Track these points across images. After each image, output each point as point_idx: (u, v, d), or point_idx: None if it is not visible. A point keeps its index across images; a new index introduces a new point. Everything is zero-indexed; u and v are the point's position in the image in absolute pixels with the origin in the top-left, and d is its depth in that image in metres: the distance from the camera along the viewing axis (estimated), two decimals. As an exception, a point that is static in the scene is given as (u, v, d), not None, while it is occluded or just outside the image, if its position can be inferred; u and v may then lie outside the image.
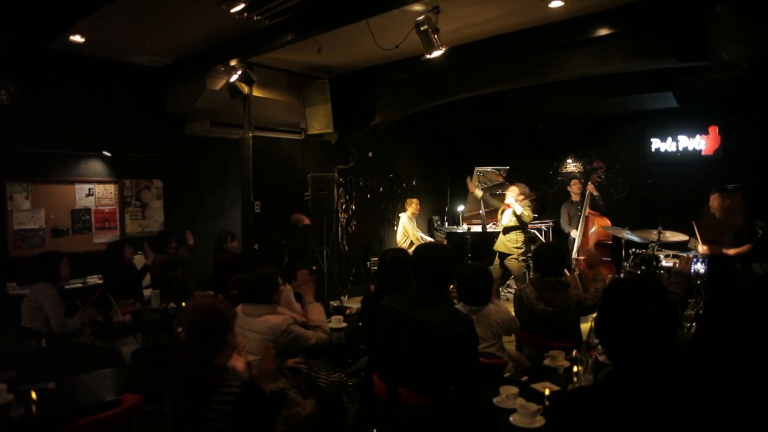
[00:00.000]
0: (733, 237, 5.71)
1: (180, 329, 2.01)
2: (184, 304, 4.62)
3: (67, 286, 5.56)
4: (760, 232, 5.48)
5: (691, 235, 5.98)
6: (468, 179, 7.85)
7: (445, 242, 8.43)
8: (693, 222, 5.77)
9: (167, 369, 2.08)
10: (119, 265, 5.34)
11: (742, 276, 2.13)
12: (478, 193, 7.63)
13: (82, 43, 5.66)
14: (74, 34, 5.44)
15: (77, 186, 6.61)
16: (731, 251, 5.64)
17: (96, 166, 6.76)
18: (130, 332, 4.81)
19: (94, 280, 6.13)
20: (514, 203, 6.90)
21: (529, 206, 7.06)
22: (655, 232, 5.93)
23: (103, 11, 4.71)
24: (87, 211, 6.68)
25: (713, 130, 7.48)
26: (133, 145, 7.00)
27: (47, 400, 2.75)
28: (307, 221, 5.94)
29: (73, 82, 6.41)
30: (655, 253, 5.98)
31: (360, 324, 3.99)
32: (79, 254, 6.17)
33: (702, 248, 5.73)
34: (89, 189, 6.70)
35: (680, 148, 7.80)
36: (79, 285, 5.97)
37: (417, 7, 4.80)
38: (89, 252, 6.50)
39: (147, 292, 5.35)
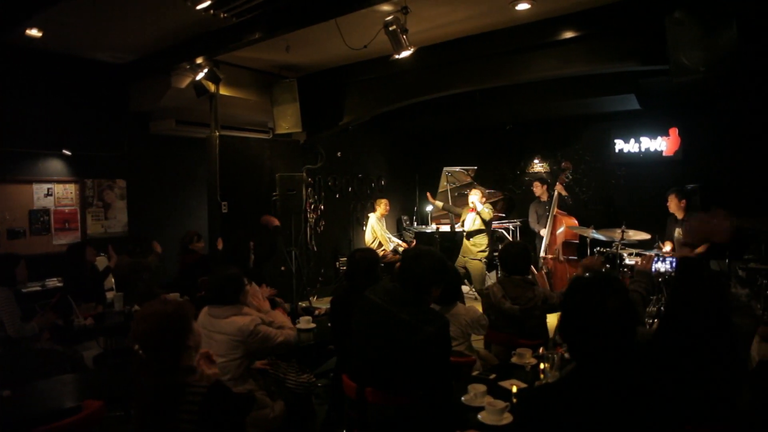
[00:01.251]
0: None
1: (136, 346, 1.96)
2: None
3: (24, 290, 5.37)
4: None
5: (656, 233, 6.16)
6: (428, 194, 8.02)
7: (414, 243, 8.46)
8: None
9: (131, 373, 2.03)
10: (80, 267, 5.18)
11: (706, 277, 2.20)
12: (439, 204, 7.83)
13: (39, 38, 5.46)
14: (31, 27, 5.24)
15: (35, 186, 6.38)
16: (694, 251, 5.81)
17: (55, 166, 6.54)
18: (92, 336, 4.67)
19: (53, 282, 5.93)
20: (478, 202, 6.91)
21: (489, 206, 7.11)
22: (618, 231, 6.08)
23: (62, 4, 4.57)
24: (46, 211, 6.46)
25: (674, 131, 7.71)
26: (95, 144, 6.80)
27: (3, 408, 2.65)
28: (276, 222, 5.88)
29: (31, 78, 6.18)
30: (619, 251, 6.13)
31: (329, 324, 3.96)
32: (37, 256, 5.97)
33: (667, 248, 5.88)
34: (48, 189, 6.48)
35: (643, 149, 8.01)
36: (38, 288, 5.77)
37: (385, 8, 4.81)
38: (48, 254, 6.29)
39: (110, 295, 5.21)
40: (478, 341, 3.75)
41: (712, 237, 2.99)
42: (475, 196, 6.94)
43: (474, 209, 6.91)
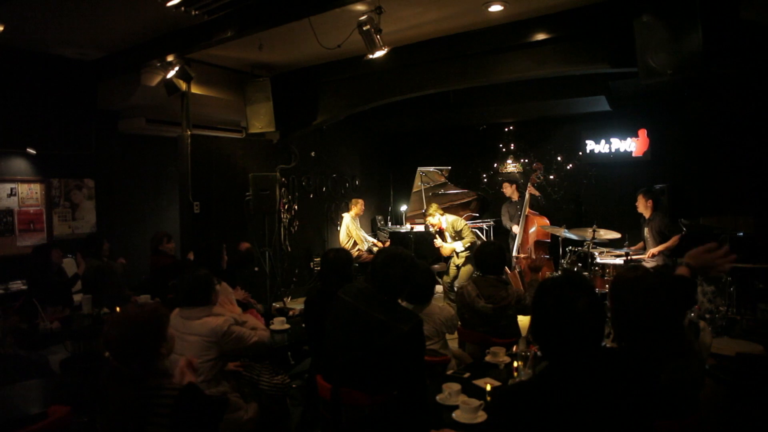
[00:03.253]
0: (657, 234, 6.05)
1: (107, 353, 1.91)
2: (118, 309, 4.44)
3: (-13, 293, 5.22)
4: (684, 229, 5.83)
5: (625, 232, 6.29)
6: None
7: (388, 242, 8.46)
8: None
9: (100, 381, 1.98)
10: (46, 269, 5.04)
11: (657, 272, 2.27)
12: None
13: (1, 32, 5.28)
14: (-7, 22, 5.08)
15: (-2, 185, 6.19)
16: (656, 249, 5.96)
17: (19, 165, 6.35)
18: (59, 340, 4.54)
19: (17, 285, 5.76)
20: (441, 219, 6.70)
21: (467, 226, 6.84)
22: (590, 230, 6.18)
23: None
24: (9, 212, 6.26)
25: (642, 133, 7.89)
26: (62, 143, 6.61)
27: (-37, 415, 2.55)
28: (246, 245, 5.66)
29: (-7, 75, 6.00)
30: (590, 250, 6.24)
31: (303, 325, 3.94)
32: (0, 258, 5.79)
33: (651, 252, 5.98)
34: (11, 189, 6.28)
35: (613, 150, 8.18)
36: (1, 291, 5.61)
37: (359, 7, 4.80)
38: (12, 256, 6.10)
39: (78, 297, 5.08)
40: (452, 340, 3.77)
41: None
42: (435, 218, 6.74)
43: (440, 227, 6.75)
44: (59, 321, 4.37)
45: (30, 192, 6.44)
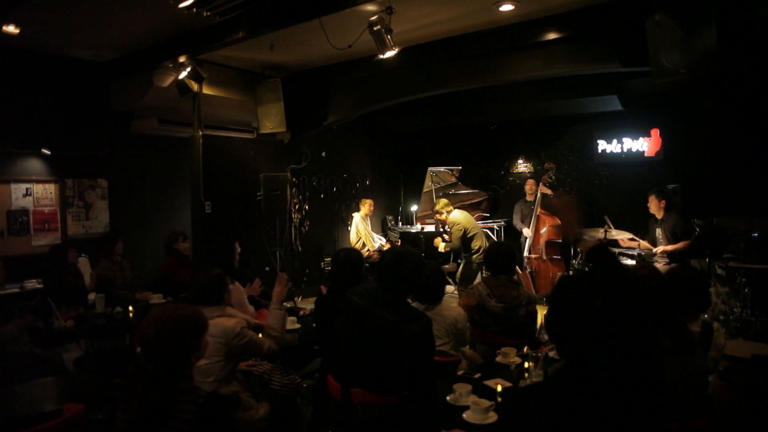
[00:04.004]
0: (670, 234, 5.99)
1: (138, 348, 1.91)
2: (131, 308, 4.48)
3: (2, 292, 5.28)
4: (697, 230, 5.77)
5: (637, 232, 6.24)
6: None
7: (399, 242, 8.46)
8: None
9: (112, 375, 2.00)
10: (62, 269, 5.08)
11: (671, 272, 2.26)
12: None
13: (16, 35, 5.35)
14: (8, 24, 5.13)
15: (13, 185, 6.25)
16: (669, 248, 5.91)
17: (34, 165, 6.42)
18: (73, 338, 4.59)
19: (33, 284, 5.82)
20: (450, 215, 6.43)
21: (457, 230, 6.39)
22: (601, 230, 6.14)
23: (39, 0, 4.49)
24: (24, 212, 6.34)
25: (655, 132, 7.82)
26: (75, 143, 6.68)
27: (-20, 413, 2.59)
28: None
29: (8, 76, 6.05)
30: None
31: (314, 325, 3.95)
32: (16, 257, 5.87)
33: (662, 249, 5.93)
34: (27, 189, 6.36)
35: (625, 150, 8.11)
36: (17, 290, 5.67)
37: (370, 7, 4.81)
38: (27, 255, 6.18)
39: (91, 296, 5.13)
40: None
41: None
42: (443, 214, 6.44)
43: (447, 223, 6.51)
44: (73, 319, 4.42)
45: (45, 192, 6.52)
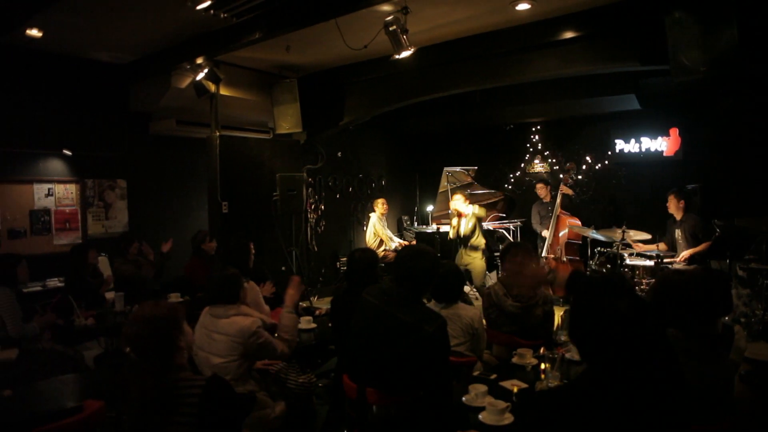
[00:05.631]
0: (690, 236, 5.90)
1: (127, 349, 1.98)
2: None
3: (25, 290, 5.37)
4: (718, 231, 5.68)
5: (655, 233, 6.16)
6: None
7: (414, 242, 8.46)
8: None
9: (123, 374, 2.05)
10: (82, 270, 5.16)
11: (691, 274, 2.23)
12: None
13: (39, 38, 5.46)
14: (31, 28, 5.24)
15: (36, 186, 6.38)
16: (687, 252, 5.81)
17: (56, 166, 6.54)
18: (93, 336, 4.67)
19: (54, 283, 5.93)
20: (464, 206, 6.71)
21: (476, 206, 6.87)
22: (619, 231, 6.07)
23: (61, 4, 4.57)
24: (46, 211, 6.46)
25: (674, 132, 7.71)
26: (95, 144, 6.79)
27: (3, 408, 2.65)
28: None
29: (31, 79, 6.18)
30: (620, 251, 6.13)
31: (329, 324, 3.97)
32: (38, 256, 5.97)
33: (683, 255, 5.84)
34: (49, 189, 6.48)
35: (643, 149, 8.01)
36: (39, 288, 5.77)
37: (386, 8, 4.81)
38: (49, 254, 6.30)
39: (110, 295, 5.21)
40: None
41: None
42: (457, 202, 6.73)
43: (461, 214, 6.75)
44: (93, 317, 4.49)
45: (66, 192, 6.63)
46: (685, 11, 4.24)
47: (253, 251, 5.08)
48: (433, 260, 2.64)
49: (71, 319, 4.38)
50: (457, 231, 6.84)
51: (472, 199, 7.96)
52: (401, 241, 8.67)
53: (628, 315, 1.51)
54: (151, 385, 1.95)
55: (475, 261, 6.80)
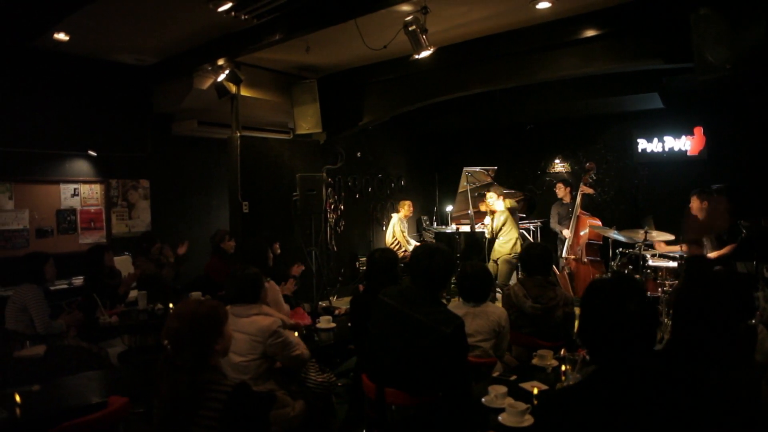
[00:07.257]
0: (715, 238, 5.78)
1: (165, 342, 2.00)
2: (171, 305, 4.61)
3: (52, 288, 5.48)
4: (744, 231, 5.56)
5: (679, 235, 6.04)
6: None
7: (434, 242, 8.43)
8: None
9: (156, 368, 2.07)
10: (99, 270, 5.23)
11: (715, 275, 2.18)
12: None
13: (66, 42, 5.59)
14: (58, 32, 5.37)
15: (62, 186, 6.52)
16: (713, 254, 5.70)
17: (81, 166, 6.68)
18: (117, 334, 4.74)
19: (79, 281, 6.02)
20: (499, 203, 6.85)
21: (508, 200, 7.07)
22: (641, 231, 5.98)
23: (87, 9, 4.66)
24: (72, 211, 6.60)
25: (698, 131, 7.57)
26: (120, 145, 6.92)
27: (32, 403, 2.71)
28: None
29: (58, 81, 6.33)
30: (642, 252, 6.03)
31: (349, 324, 3.98)
32: (64, 255, 6.09)
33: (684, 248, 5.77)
34: (74, 189, 6.62)
35: (666, 149, 7.88)
36: (65, 286, 5.89)
37: (405, 8, 4.81)
38: (75, 253, 6.42)
39: (133, 293, 5.29)
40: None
41: (713, 224, 2.93)
42: (492, 198, 6.90)
43: (494, 210, 6.86)
44: (117, 315, 4.57)
45: (91, 192, 6.77)
46: (710, 7, 4.15)
47: (279, 251, 5.12)
48: (447, 258, 2.64)
49: (95, 317, 4.47)
50: (491, 228, 6.99)
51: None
52: (417, 243, 8.66)
53: (636, 315, 1.51)
54: (183, 382, 1.96)
55: (504, 257, 6.79)
